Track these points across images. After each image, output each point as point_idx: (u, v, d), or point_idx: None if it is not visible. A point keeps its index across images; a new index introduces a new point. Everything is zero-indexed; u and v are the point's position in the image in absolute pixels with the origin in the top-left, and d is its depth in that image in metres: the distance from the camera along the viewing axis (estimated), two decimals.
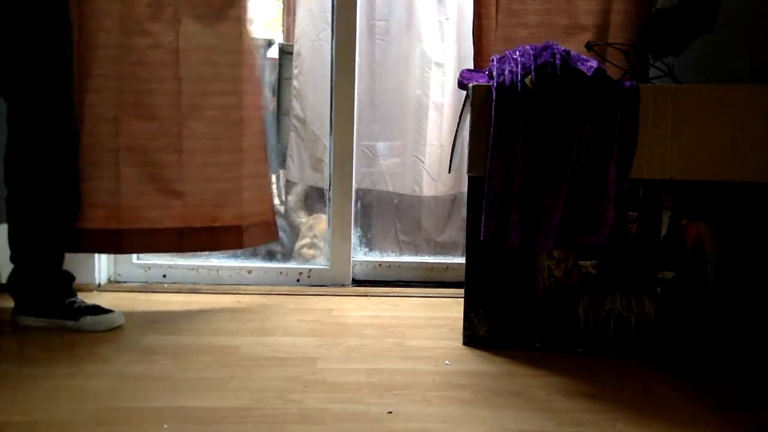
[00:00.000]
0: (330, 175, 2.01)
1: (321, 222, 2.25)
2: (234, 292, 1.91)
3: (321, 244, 2.19)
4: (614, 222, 1.39)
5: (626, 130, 1.37)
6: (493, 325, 1.50)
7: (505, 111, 1.38)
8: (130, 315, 1.66)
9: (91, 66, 1.66)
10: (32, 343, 1.45)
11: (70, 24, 1.55)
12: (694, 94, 1.38)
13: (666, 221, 1.42)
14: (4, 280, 1.83)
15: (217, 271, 2.00)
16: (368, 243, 2.29)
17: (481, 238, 1.40)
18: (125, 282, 1.97)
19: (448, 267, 2.09)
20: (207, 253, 1.95)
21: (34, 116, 1.49)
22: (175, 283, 1.98)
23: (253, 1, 1.75)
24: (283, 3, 3.40)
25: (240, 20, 1.72)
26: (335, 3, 1.93)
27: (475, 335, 1.51)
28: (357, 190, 2.11)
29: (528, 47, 1.47)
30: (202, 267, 2.00)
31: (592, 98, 1.36)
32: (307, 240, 2.25)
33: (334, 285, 2.00)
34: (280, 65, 2.72)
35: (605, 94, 1.37)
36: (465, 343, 1.51)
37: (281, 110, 2.73)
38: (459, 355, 1.45)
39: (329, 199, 2.02)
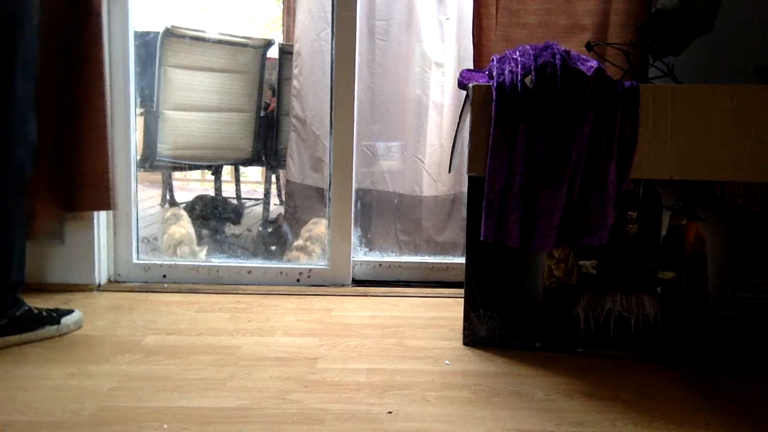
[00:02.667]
0: (330, 175, 2.01)
1: (319, 226, 2.25)
2: (234, 292, 1.91)
3: (312, 247, 2.19)
4: (614, 222, 1.39)
5: (626, 130, 1.37)
6: (493, 325, 1.50)
7: (505, 111, 1.38)
8: (130, 315, 1.66)
9: None
10: (32, 343, 1.45)
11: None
12: (694, 94, 1.38)
13: (666, 221, 1.42)
14: None
15: (217, 271, 2.00)
16: (368, 243, 2.29)
17: (481, 238, 1.40)
18: (125, 282, 1.97)
19: (448, 267, 2.09)
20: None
21: None
22: (175, 283, 1.98)
23: None
24: (283, 3, 3.40)
25: None
26: (335, 3, 1.93)
27: (475, 335, 1.51)
28: (357, 190, 2.11)
29: (528, 47, 1.47)
30: (202, 267, 2.00)
31: (592, 98, 1.36)
32: (299, 242, 2.26)
33: (334, 285, 2.00)
34: (280, 65, 2.73)
35: (605, 94, 1.37)
36: (465, 343, 1.51)
37: (281, 110, 2.73)
38: (459, 355, 1.45)
39: (329, 199, 2.02)
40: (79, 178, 1.73)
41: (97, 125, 1.72)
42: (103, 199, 1.75)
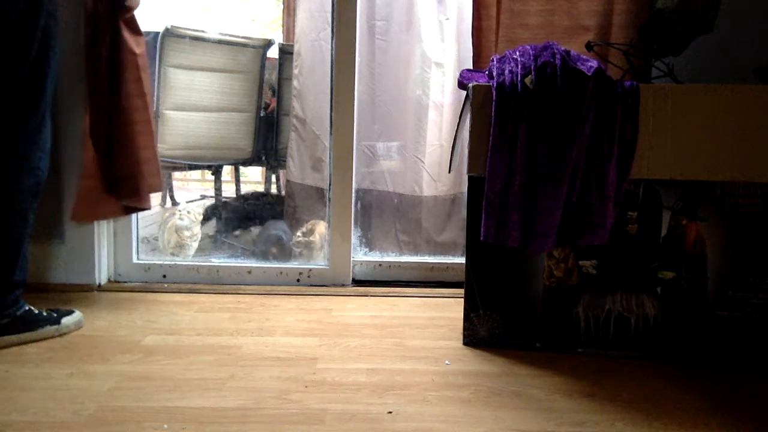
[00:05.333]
0: (330, 175, 2.01)
1: (319, 225, 2.25)
2: (234, 292, 1.91)
3: (308, 242, 2.20)
4: (614, 222, 1.39)
5: (626, 130, 1.37)
6: (493, 325, 1.50)
7: (505, 111, 1.38)
8: (130, 315, 1.67)
9: None
10: (32, 343, 1.45)
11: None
12: (694, 94, 1.38)
13: (666, 221, 1.42)
14: None
15: (217, 271, 2.00)
16: (368, 243, 2.29)
17: (481, 238, 1.40)
18: (125, 282, 1.97)
19: (448, 267, 2.09)
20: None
21: None
22: (175, 283, 1.98)
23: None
24: (283, 3, 3.41)
25: None
26: (335, 3, 1.93)
27: (475, 335, 1.51)
28: (357, 190, 2.11)
29: (528, 47, 1.47)
30: (202, 267, 2.00)
31: (592, 98, 1.36)
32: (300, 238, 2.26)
33: (334, 285, 2.00)
34: (280, 65, 2.73)
35: (605, 94, 1.37)
36: (465, 343, 1.51)
37: (281, 110, 2.74)
38: (459, 355, 1.45)
39: (329, 199, 2.02)
40: (134, 167, 1.77)
41: (143, 119, 1.78)
42: (156, 183, 1.81)
